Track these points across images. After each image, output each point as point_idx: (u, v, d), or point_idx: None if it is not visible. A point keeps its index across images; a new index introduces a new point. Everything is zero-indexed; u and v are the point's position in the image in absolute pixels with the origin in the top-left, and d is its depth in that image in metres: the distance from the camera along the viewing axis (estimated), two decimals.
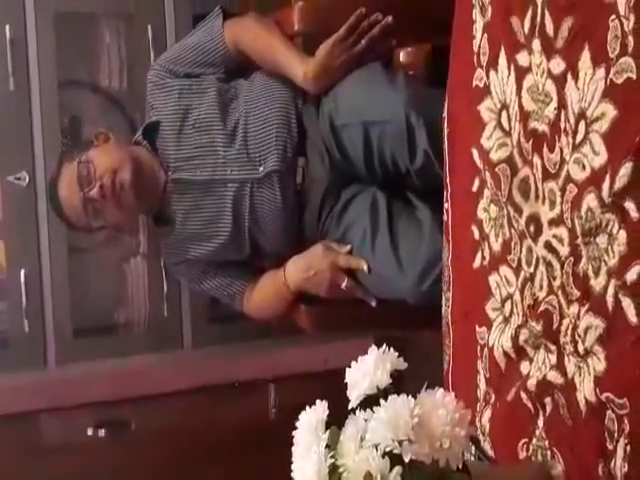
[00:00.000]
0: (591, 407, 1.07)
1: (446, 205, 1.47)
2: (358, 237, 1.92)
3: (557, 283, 1.13)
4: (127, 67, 2.59)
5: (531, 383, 1.20)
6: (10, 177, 2.39)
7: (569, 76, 1.08)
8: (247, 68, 2.06)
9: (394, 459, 0.93)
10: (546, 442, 1.18)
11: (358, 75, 1.92)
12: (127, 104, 2.59)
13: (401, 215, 1.89)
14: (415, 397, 0.98)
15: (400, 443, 0.93)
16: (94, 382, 2.51)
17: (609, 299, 1.03)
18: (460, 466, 0.97)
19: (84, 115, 2.59)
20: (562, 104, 1.09)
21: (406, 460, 0.93)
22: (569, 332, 1.11)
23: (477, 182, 1.33)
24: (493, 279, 1.30)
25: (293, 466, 1.02)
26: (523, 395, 1.22)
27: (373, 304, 1.95)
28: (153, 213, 2.12)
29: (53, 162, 2.17)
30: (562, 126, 1.09)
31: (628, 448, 1.02)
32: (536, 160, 1.16)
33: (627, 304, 1.00)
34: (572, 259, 1.10)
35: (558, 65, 1.10)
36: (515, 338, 1.24)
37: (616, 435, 1.03)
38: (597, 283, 1.05)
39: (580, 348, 1.09)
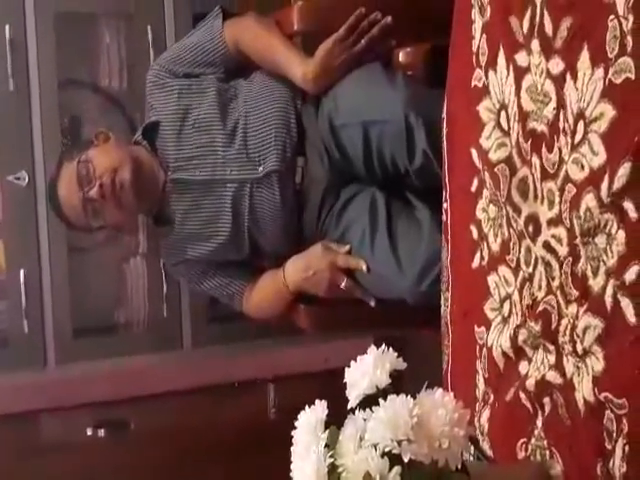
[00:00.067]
0: (590, 407, 1.07)
1: (445, 205, 1.47)
2: (357, 237, 1.92)
3: (556, 283, 1.13)
4: (127, 67, 2.59)
5: (530, 383, 1.20)
6: (10, 177, 2.39)
7: (568, 76, 1.07)
8: (247, 68, 2.06)
9: (393, 459, 0.93)
10: (545, 442, 1.18)
11: (357, 75, 1.92)
12: (127, 104, 2.59)
13: (400, 215, 1.89)
14: (414, 397, 0.98)
15: (399, 443, 0.94)
16: (94, 382, 2.51)
17: (608, 299, 1.03)
18: (459, 466, 0.97)
19: (84, 115, 2.59)
20: (561, 104, 1.09)
21: (405, 460, 0.93)
22: (568, 332, 1.11)
23: (476, 182, 1.33)
24: (492, 279, 1.30)
25: (292, 466, 1.02)
26: (522, 395, 1.22)
27: (372, 304, 1.95)
28: (153, 213, 2.12)
29: (53, 162, 2.16)
30: (561, 126, 1.09)
31: (627, 448, 1.02)
32: (535, 160, 1.16)
33: (626, 304, 1.00)
34: (571, 259, 1.10)
35: (557, 65, 1.10)
36: (514, 338, 1.24)
37: (615, 435, 1.03)
38: (596, 283, 1.05)
39: (579, 348, 1.09)
